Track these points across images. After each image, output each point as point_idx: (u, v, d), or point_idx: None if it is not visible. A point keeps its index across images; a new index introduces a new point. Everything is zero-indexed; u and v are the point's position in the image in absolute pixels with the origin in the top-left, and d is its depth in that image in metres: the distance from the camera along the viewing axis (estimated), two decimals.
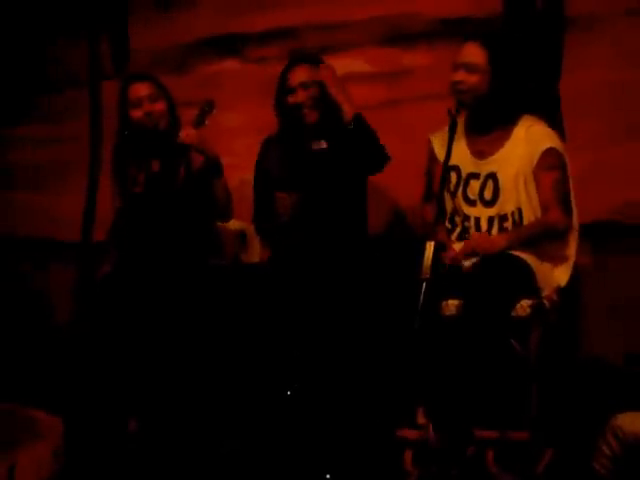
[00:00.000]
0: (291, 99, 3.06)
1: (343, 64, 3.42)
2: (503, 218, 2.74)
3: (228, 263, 3.17)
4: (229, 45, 4.07)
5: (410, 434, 2.53)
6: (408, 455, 2.52)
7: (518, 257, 2.65)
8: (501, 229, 2.74)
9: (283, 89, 3.09)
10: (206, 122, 2.98)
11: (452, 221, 2.85)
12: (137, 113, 3.08)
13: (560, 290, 2.74)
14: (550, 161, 2.71)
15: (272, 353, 2.77)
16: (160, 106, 3.09)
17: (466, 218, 2.80)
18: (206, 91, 3.72)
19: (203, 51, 4.12)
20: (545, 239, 2.72)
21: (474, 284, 2.56)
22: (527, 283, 2.64)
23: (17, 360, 3.78)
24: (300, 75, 3.05)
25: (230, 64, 4.07)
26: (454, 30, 3.46)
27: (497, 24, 3.35)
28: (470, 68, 2.70)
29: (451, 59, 2.77)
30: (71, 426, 2.37)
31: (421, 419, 2.53)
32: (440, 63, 2.83)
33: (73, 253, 4.43)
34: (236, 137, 3.88)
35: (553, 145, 2.73)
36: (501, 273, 2.57)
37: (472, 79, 2.70)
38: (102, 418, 2.83)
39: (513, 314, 2.59)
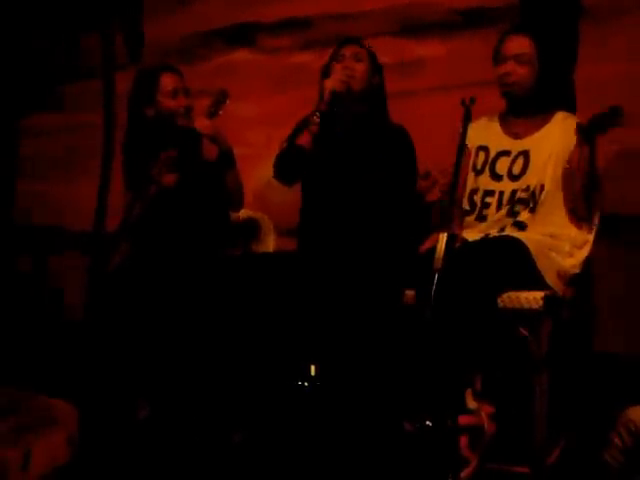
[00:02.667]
0: (337, 66, 2.99)
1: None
2: (525, 190, 2.75)
3: (241, 253, 3.18)
4: (242, 35, 4.08)
5: (463, 419, 2.50)
6: (464, 441, 2.50)
7: (517, 243, 2.64)
8: (519, 201, 2.75)
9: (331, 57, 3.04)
10: (220, 112, 2.98)
11: (471, 200, 2.85)
12: (171, 102, 3.05)
13: (573, 281, 2.73)
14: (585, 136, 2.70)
15: (287, 341, 2.77)
16: (192, 103, 3.09)
17: (488, 193, 2.81)
18: (219, 81, 3.73)
19: (216, 41, 4.13)
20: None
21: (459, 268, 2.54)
22: (521, 270, 2.63)
23: (30, 348, 3.81)
24: (352, 48, 3.01)
25: (243, 54, 4.08)
26: (469, 21, 3.46)
27: (512, 15, 3.36)
28: (520, 60, 2.75)
29: (466, 50, 2.78)
30: (84, 413, 2.39)
31: (471, 403, 2.51)
32: (454, 54, 2.83)
33: (86, 243, 4.45)
34: (248, 127, 3.88)
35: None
36: (488, 259, 2.56)
37: (522, 70, 2.76)
38: (113, 405, 2.85)
39: (525, 305, 2.59)
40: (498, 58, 2.80)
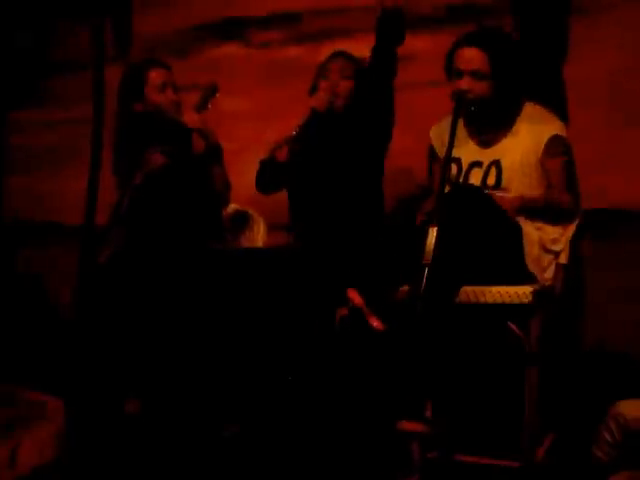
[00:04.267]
0: (323, 84, 3.08)
1: (346, 49, 3.40)
2: None
3: (230, 247, 3.18)
4: (232, 29, 4.06)
5: (416, 426, 2.51)
6: (415, 447, 2.52)
7: (510, 241, 2.65)
8: None
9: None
10: (209, 106, 2.98)
11: None
12: (159, 97, 3.05)
13: (563, 276, 2.74)
14: (555, 149, 2.72)
15: (276, 337, 2.77)
16: (180, 98, 3.08)
17: None
18: (208, 75, 3.70)
19: (206, 35, 4.12)
20: (548, 214, 2.71)
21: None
22: (512, 265, 2.64)
23: (18, 343, 3.79)
24: (339, 63, 3.08)
25: (233, 48, 4.07)
26: (458, 16, 3.46)
27: (503, 10, 3.36)
28: (477, 76, 2.69)
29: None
30: (72, 408, 2.38)
31: (429, 412, 2.52)
32: (443, 49, 2.82)
33: (76, 236, 4.43)
34: (238, 122, 3.87)
35: (557, 132, 2.73)
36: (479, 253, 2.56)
37: (479, 86, 2.69)
38: (101, 400, 2.84)
39: (515, 300, 2.59)
40: (452, 71, 2.73)
